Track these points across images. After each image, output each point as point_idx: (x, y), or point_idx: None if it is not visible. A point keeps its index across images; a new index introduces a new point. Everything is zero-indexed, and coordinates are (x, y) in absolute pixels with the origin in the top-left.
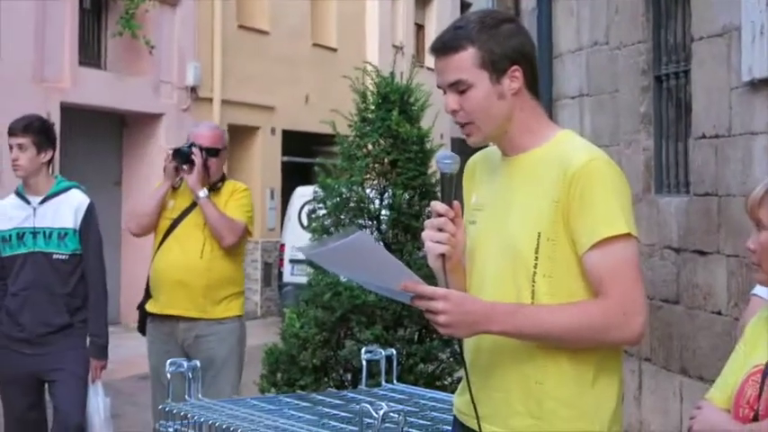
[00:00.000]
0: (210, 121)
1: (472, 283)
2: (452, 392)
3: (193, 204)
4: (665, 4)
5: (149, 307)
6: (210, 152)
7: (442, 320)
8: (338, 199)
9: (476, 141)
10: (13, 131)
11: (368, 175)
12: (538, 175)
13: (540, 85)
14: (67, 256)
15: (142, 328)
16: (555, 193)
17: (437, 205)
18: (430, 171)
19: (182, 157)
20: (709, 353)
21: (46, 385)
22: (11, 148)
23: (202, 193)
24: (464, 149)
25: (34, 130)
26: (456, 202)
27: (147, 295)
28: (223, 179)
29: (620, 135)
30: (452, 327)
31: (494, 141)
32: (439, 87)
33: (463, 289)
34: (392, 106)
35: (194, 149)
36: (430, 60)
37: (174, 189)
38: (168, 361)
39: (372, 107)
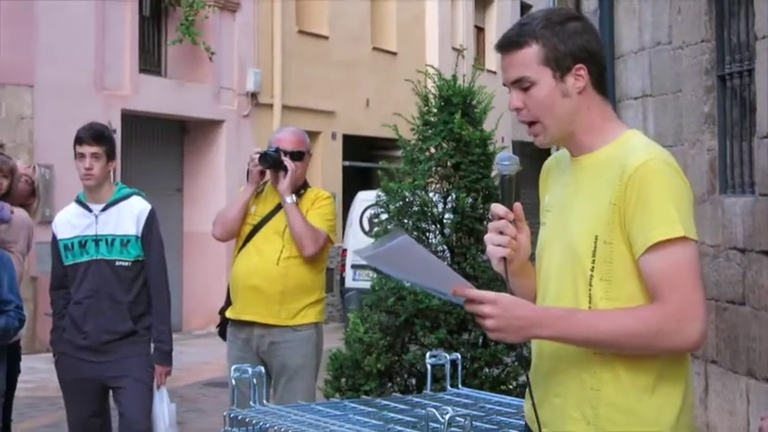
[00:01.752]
0: (293, 126)
1: (540, 284)
2: (517, 396)
3: (274, 210)
4: (727, 2)
5: (228, 313)
6: (294, 156)
7: (490, 325)
8: (401, 203)
9: (542, 142)
10: (86, 140)
11: (431, 179)
12: (599, 177)
13: None
14: (130, 263)
15: (223, 333)
16: (612, 194)
17: (497, 208)
18: (493, 174)
19: (268, 160)
20: None
21: (110, 392)
22: (81, 156)
23: (290, 198)
24: (525, 152)
25: (106, 139)
26: (517, 205)
27: (229, 301)
28: (305, 185)
29: (683, 135)
30: (501, 331)
31: (561, 143)
32: (504, 85)
33: (533, 291)
34: (455, 109)
35: (282, 154)
36: (491, 63)
37: (258, 194)
38: (233, 367)
39: (435, 110)
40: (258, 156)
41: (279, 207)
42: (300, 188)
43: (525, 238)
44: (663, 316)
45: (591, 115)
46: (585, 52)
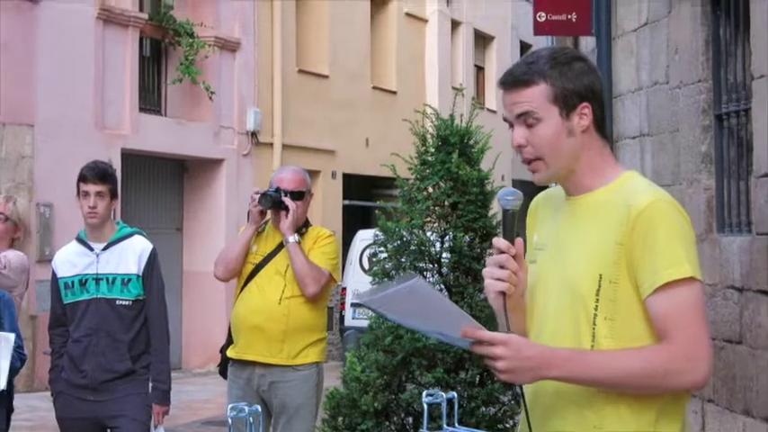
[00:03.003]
0: (293, 165)
1: (533, 323)
2: None
3: (276, 250)
4: (724, 42)
5: (230, 352)
6: (294, 195)
7: (501, 366)
8: (399, 242)
9: (541, 179)
10: (91, 179)
11: (428, 218)
12: (600, 217)
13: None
14: (131, 302)
15: (224, 372)
16: (618, 235)
17: (498, 242)
18: (491, 213)
19: (268, 201)
20: None
21: (108, 431)
22: (85, 194)
23: (293, 238)
24: (526, 191)
25: (110, 178)
26: (518, 239)
27: (230, 339)
28: (307, 224)
29: (681, 175)
30: (511, 372)
31: (559, 181)
32: (506, 121)
33: (523, 329)
34: (452, 149)
35: (282, 194)
36: (490, 102)
37: (259, 233)
38: (230, 406)
39: (432, 150)
40: (258, 196)
41: (280, 246)
42: (302, 227)
43: (524, 275)
44: (671, 356)
45: (591, 155)
46: (591, 92)
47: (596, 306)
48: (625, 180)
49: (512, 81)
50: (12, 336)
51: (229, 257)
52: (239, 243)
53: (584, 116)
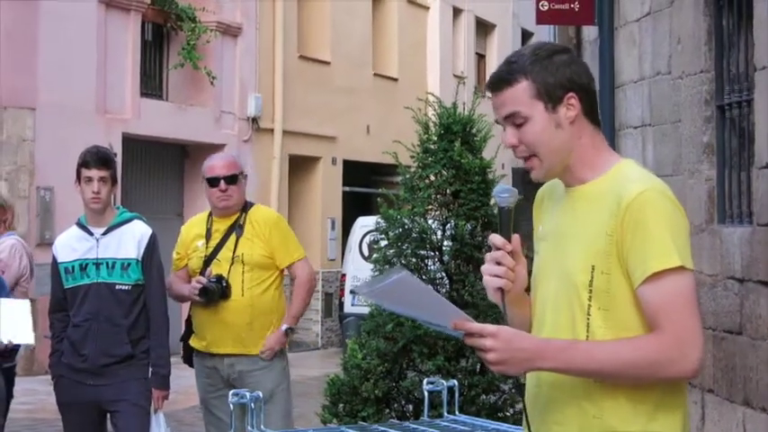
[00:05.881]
0: (222, 152)
1: (535, 313)
2: (514, 424)
3: (225, 237)
4: (727, 33)
5: (193, 342)
6: (229, 180)
7: (492, 358)
8: (400, 230)
9: (538, 175)
10: (93, 165)
11: (430, 206)
12: (594, 207)
13: (601, 116)
14: (130, 287)
15: (188, 360)
16: (609, 225)
17: (495, 238)
18: (492, 201)
19: (207, 295)
20: None
21: (108, 415)
22: (88, 180)
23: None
24: (526, 180)
25: (111, 163)
26: (515, 236)
27: (189, 328)
28: (247, 206)
29: (682, 165)
30: (503, 364)
31: (557, 176)
32: (497, 123)
33: (528, 321)
34: (454, 137)
35: (224, 283)
36: None
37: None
38: (231, 392)
39: (435, 138)
40: (199, 288)
41: (229, 232)
42: (242, 210)
43: (522, 270)
44: (662, 345)
45: (584, 144)
46: (574, 82)
47: (590, 297)
48: (619, 169)
49: (496, 81)
50: (26, 302)
51: (175, 298)
52: (182, 298)
53: (570, 107)
